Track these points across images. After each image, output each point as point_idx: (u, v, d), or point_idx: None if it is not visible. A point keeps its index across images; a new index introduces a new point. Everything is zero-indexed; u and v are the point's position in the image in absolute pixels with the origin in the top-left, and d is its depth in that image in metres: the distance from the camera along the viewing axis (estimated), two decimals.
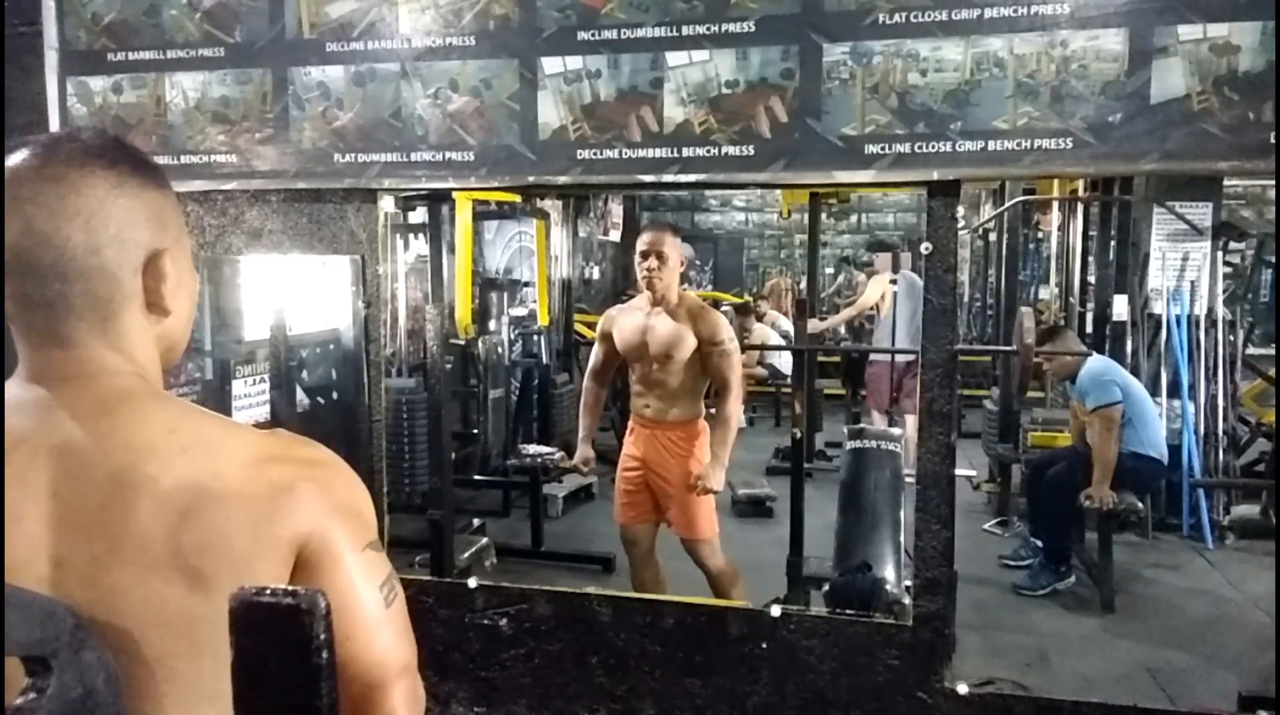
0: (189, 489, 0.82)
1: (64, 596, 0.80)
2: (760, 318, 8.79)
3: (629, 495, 3.42)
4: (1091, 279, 6.25)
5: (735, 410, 3.32)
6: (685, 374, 3.29)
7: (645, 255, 3.27)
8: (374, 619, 0.89)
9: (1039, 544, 4.40)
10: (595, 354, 3.62)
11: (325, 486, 0.88)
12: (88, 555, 0.81)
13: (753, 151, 2.13)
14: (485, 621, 2.35)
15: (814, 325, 6.43)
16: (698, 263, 12.40)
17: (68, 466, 0.83)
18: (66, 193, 0.84)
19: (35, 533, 0.82)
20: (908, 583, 2.67)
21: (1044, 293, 8.36)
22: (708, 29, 2.12)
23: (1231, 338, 5.21)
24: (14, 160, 0.86)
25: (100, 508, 0.82)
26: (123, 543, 0.81)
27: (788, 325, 8.58)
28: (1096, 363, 4.37)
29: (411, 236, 6.04)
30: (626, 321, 3.42)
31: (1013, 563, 4.50)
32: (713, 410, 3.46)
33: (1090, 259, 6.33)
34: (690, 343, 3.25)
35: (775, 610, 2.27)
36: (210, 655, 0.80)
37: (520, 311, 6.60)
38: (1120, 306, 5.39)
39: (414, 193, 4.71)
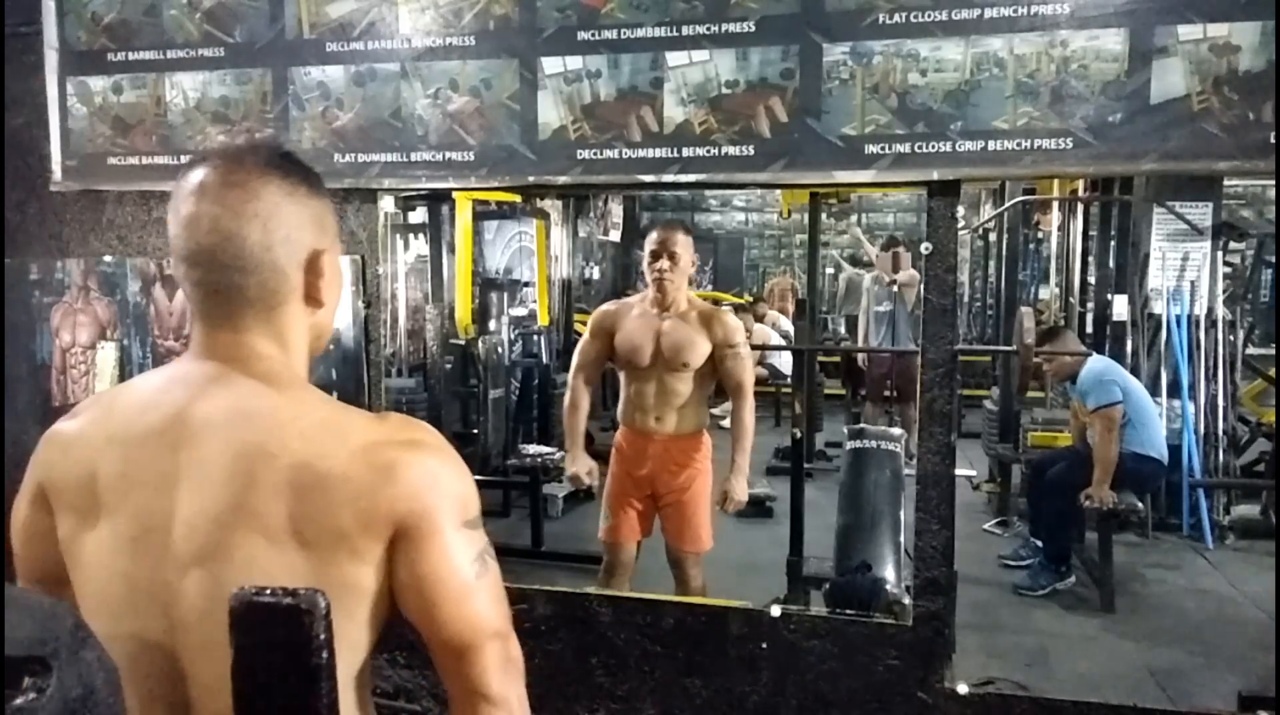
0: (301, 468, 0.93)
1: (183, 546, 0.94)
2: (760, 318, 8.79)
3: (628, 513, 3.21)
4: (1091, 279, 6.25)
5: (750, 416, 3.17)
6: (698, 381, 3.14)
7: (656, 255, 3.08)
8: (463, 587, 0.97)
9: (1039, 544, 4.40)
10: (586, 351, 3.32)
11: (424, 469, 0.97)
12: (211, 515, 0.94)
13: (753, 151, 2.13)
14: None
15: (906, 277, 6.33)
16: (698, 263, 12.40)
17: (211, 437, 0.96)
18: (249, 198, 0.98)
19: (171, 490, 0.95)
20: (908, 583, 2.67)
21: (1044, 293, 8.35)
22: (708, 29, 2.12)
23: (1231, 338, 5.20)
24: (204, 169, 1.00)
25: (228, 477, 0.94)
26: (242, 508, 0.93)
27: (788, 325, 8.59)
28: (1097, 363, 4.37)
29: (411, 236, 6.04)
30: (631, 324, 3.18)
31: (1013, 563, 4.50)
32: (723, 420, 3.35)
33: (1090, 259, 6.33)
34: (705, 348, 3.09)
35: (775, 610, 2.27)
36: None
37: (520, 311, 6.60)
38: (1120, 306, 5.39)
39: (414, 193, 4.73)
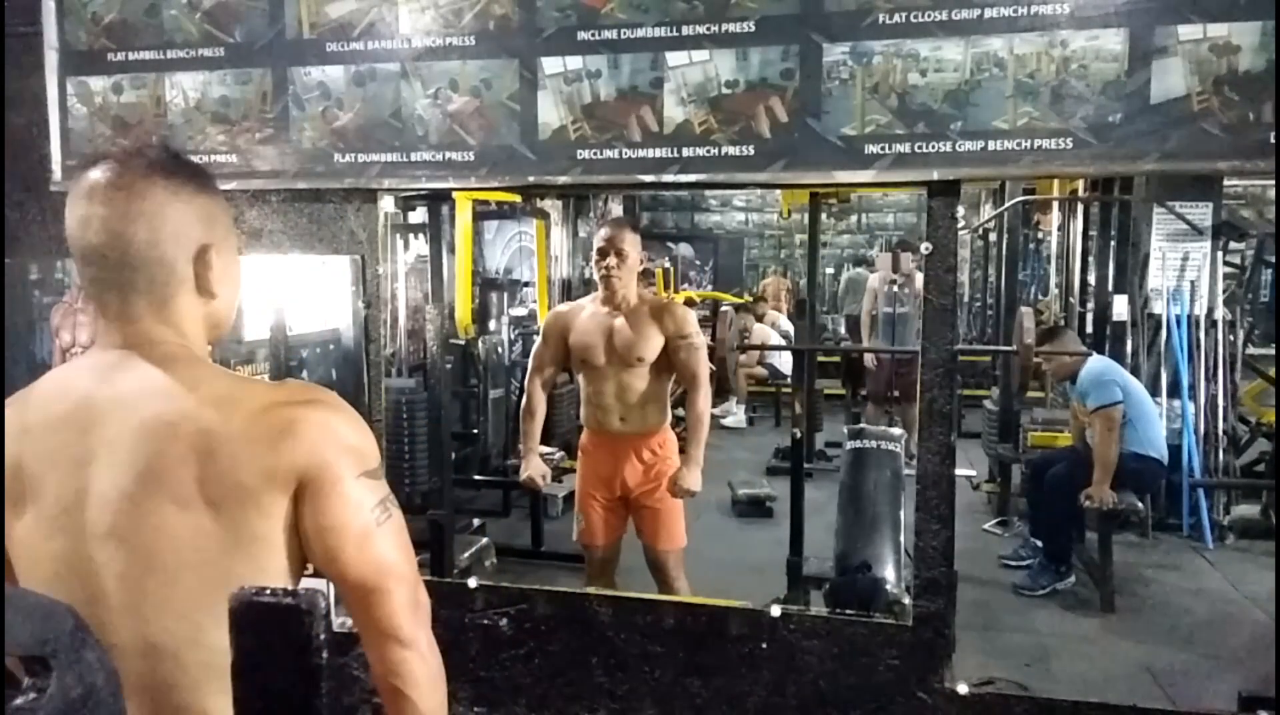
0: (203, 434, 1.00)
1: (97, 519, 1.00)
2: (760, 318, 8.79)
3: (603, 515, 3.22)
4: (1091, 279, 6.25)
5: (705, 406, 3.16)
6: (655, 376, 3.14)
7: (603, 253, 3.08)
8: (363, 531, 1.03)
9: (1039, 544, 4.40)
10: (540, 355, 3.33)
11: (320, 425, 1.03)
12: (121, 489, 1.00)
13: (753, 151, 2.13)
14: (485, 621, 2.35)
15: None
16: (698, 263, 12.40)
17: (116, 417, 1.02)
18: (133, 199, 1.04)
19: (83, 470, 1.02)
20: (908, 583, 2.67)
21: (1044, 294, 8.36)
22: (708, 29, 2.12)
23: (1231, 338, 5.20)
24: (93, 173, 1.06)
25: (132, 449, 1.00)
26: (148, 478, 1.00)
27: (788, 325, 8.59)
28: (1097, 363, 4.37)
29: (411, 236, 6.04)
30: (583, 324, 3.19)
31: (1013, 563, 4.50)
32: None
33: (1090, 259, 6.33)
34: (657, 341, 3.10)
35: (775, 610, 2.27)
36: (212, 567, 0.99)
37: (520, 311, 6.60)
38: (1120, 306, 5.39)
39: (414, 193, 4.72)
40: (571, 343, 3.22)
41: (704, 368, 3.18)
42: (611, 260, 3.09)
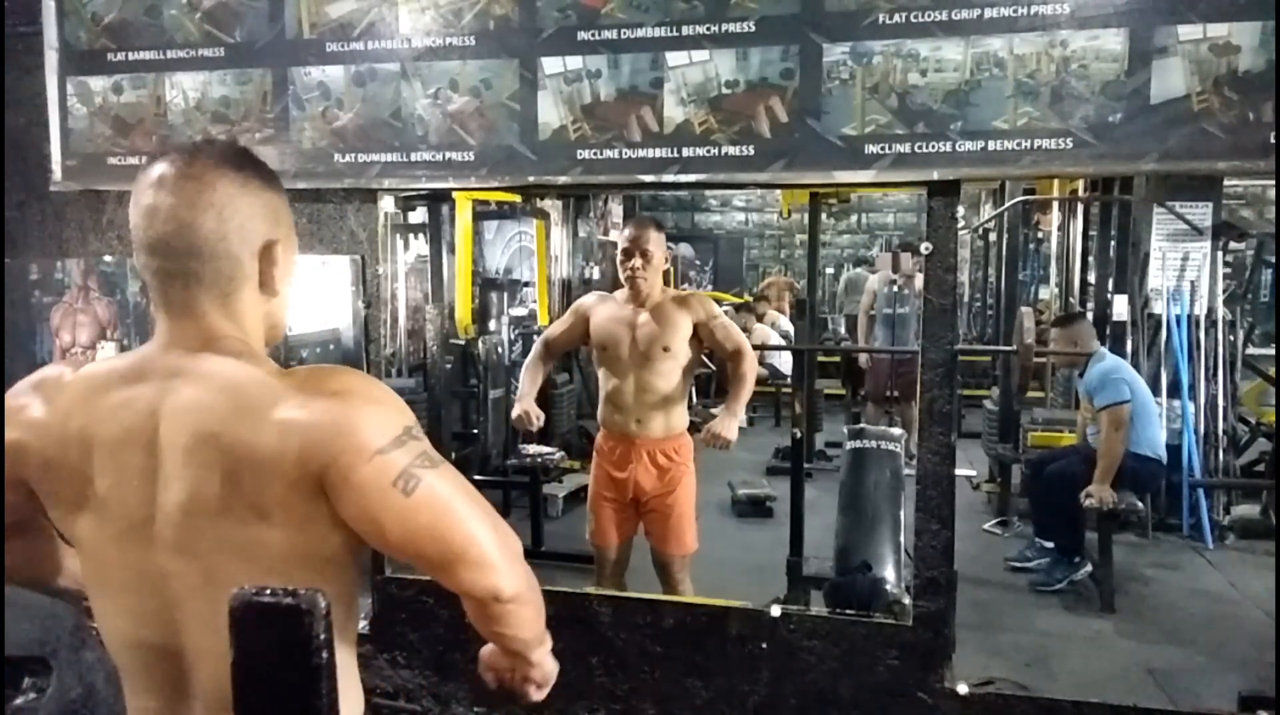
0: (236, 446, 0.99)
1: (164, 533, 1.02)
2: (760, 318, 8.79)
3: (614, 516, 3.20)
4: (1091, 279, 6.25)
5: (750, 370, 3.11)
6: (678, 372, 3.11)
7: (629, 253, 3.08)
8: (398, 510, 1.00)
9: (1044, 544, 4.40)
10: (559, 325, 3.36)
11: (323, 417, 1.00)
12: (180, 504, 1.01)
13: (753, 151, 2.13)
14: None
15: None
16: (698, 263, 12.40)
17: (177, 431, 1.02)
18: (203, 189, 1.03)
19: (151, 486, 1.02)
20: (908, 583, 2.67)
21: (1044, 293, 8.36)
22: (708, 29, 2.13)
23: (1231, 338, 5.20)
24: (162, 163, 1.05)
25: (189, 466, 1.01)
26: (203, 494, 1.01)
27: (788, 325, 8.59)
28: (1106, 361, 4.36)
29: (411, 236, 6.04)
30: (608, 311, 3.19)
31: (1019, 564, 4.49)
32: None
33: (1090, 259, 6.33)
34: (686, 327, 3.08)
35: (775, 610, 2.27)
36: (275, 576, 0.98)
37: (520, 311, 6.59)
38: (1120, 306, 5.39)
39: (414, 193, 4.72)
40: (593, 329, 3.21)
41: (743, 337, 3.18)
42: (637, 262, 3.07)
